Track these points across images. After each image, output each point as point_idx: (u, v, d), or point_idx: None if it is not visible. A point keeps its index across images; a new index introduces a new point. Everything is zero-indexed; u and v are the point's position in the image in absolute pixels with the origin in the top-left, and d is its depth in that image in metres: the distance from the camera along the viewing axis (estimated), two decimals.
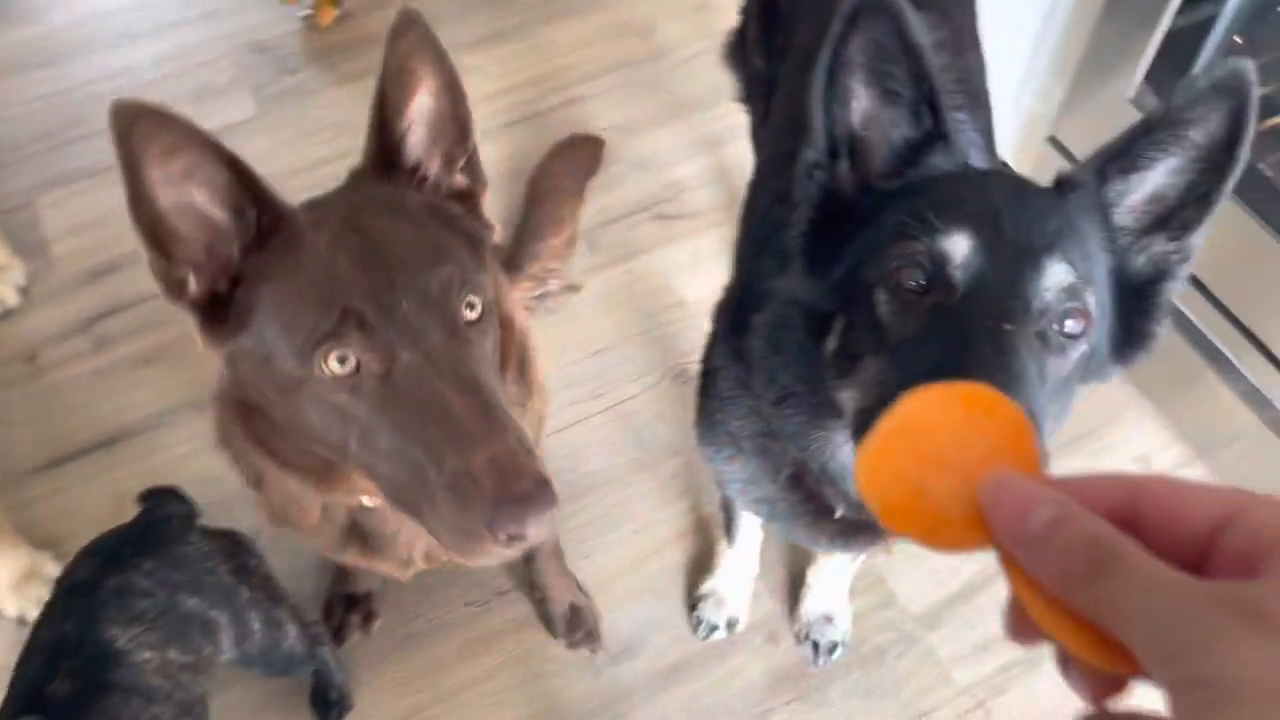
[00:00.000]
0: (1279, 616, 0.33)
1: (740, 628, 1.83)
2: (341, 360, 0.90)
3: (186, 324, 1.00)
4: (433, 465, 0.88)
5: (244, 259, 0.96)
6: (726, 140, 2.45)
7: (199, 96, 2.58)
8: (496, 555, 0.90)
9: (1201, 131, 0.82)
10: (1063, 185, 0.88)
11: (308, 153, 2.48)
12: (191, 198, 0.91)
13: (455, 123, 1.08)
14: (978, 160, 0.97)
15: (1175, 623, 0.34)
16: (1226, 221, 1.38)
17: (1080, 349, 0.83)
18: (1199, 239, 0.88)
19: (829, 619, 1.80)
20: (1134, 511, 0.40)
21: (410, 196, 1.05)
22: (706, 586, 1.83)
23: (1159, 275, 0.90)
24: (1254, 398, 1.86)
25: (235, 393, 1.05)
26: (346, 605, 1.80)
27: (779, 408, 1.03)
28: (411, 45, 1.02)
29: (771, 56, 1.64)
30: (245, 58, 2.67)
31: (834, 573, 1.75)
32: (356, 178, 1.08)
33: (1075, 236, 0.83)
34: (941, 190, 0.87)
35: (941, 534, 0.44)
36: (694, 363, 2.16)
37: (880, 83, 0.88)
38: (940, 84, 0.88)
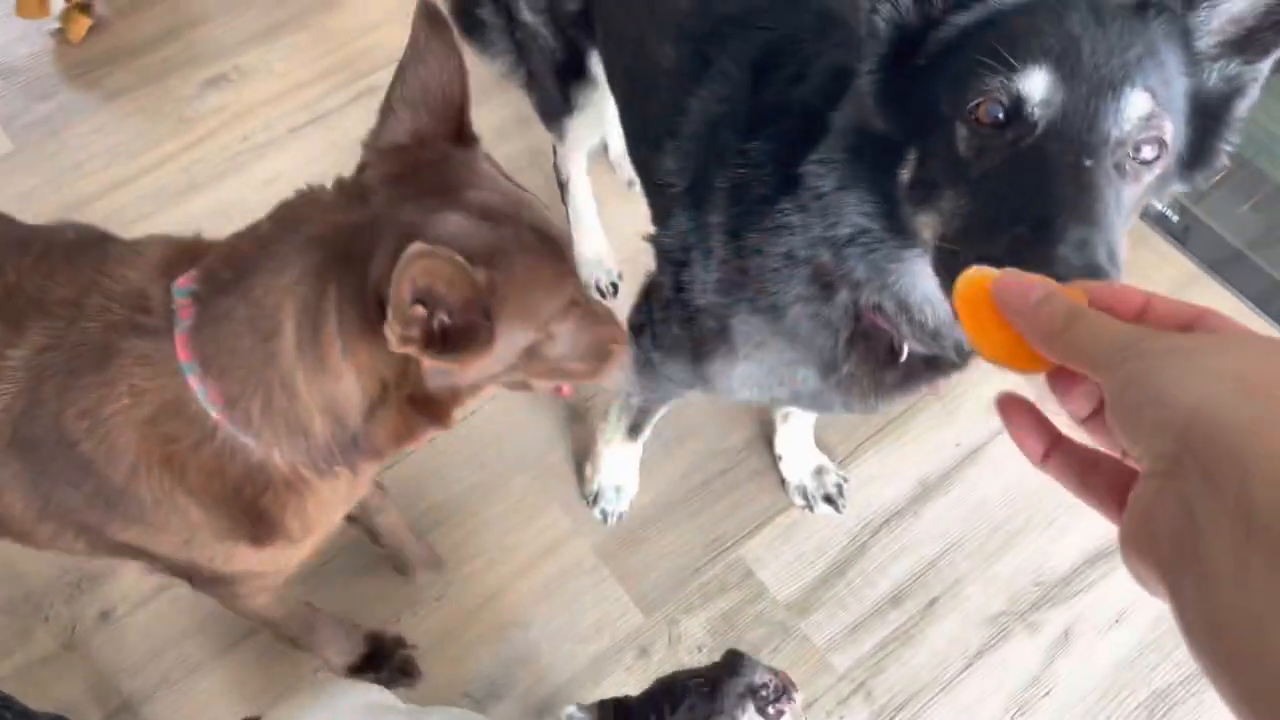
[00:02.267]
0: (1189, 345, 0.46)
1: (633, 496, 1.88)
2: None
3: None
4: None
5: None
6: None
7: None
8: None
9: None
10: (1146, 7, 0.87)
11: (78, 188, 2.22)
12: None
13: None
14: None
15: (1118, 345, 0.48)
16: None
17: (1155, 173, 0.85)
18: (1273, 58, 0.89)
19: (820, 471, 1.88)
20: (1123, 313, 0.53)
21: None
22: (602, 482, 1.85)
23: (1231, 94, 0.90)
24: None
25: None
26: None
27: (849, 247, 1.01)
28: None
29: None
30: None
31: (800, 431, 1.84)
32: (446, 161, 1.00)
33: (1156, 62, 0.84)
34: (1018, 21, 0.86)
35: (1015, 358, 0.55)
36: None
37: None
38: None
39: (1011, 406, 0.58)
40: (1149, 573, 0.45)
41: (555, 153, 2.03)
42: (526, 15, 1.63)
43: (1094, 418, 0.55)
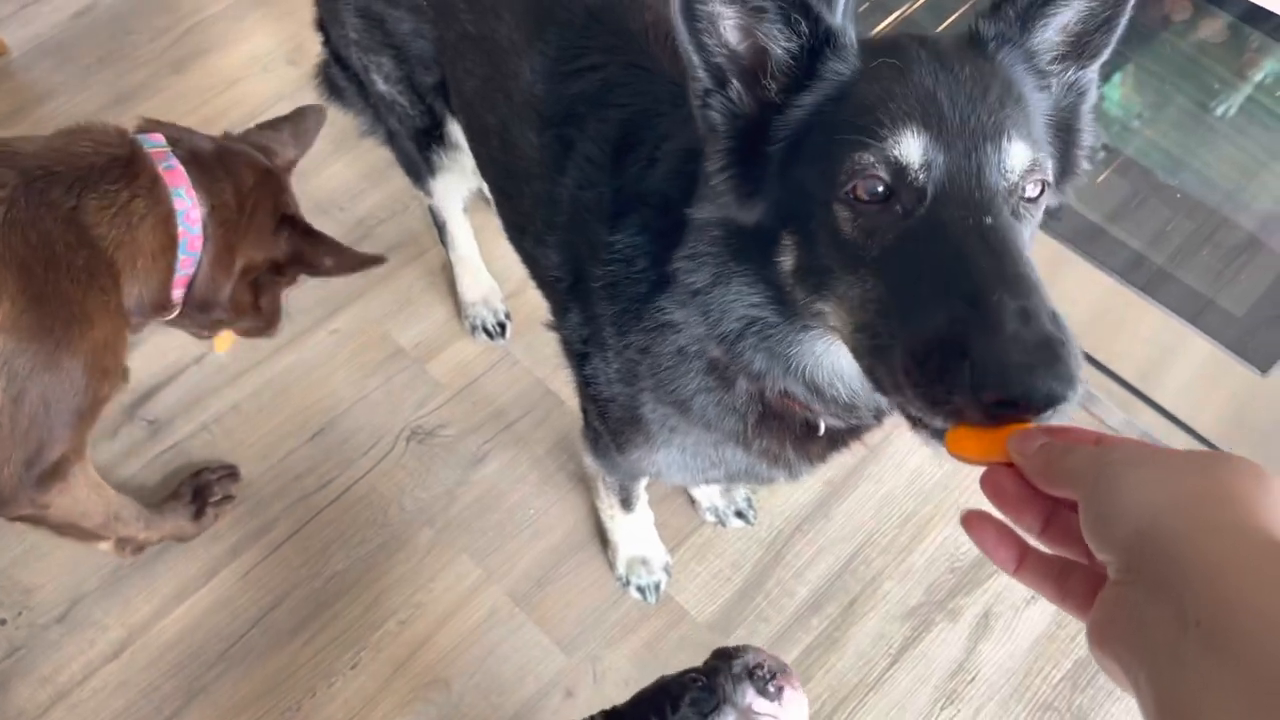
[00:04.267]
0: (1138, 456, 0.54)
1: (668, 564, 1.84)
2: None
3: None
4: None
5: None
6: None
7: None
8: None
9: None
10: (982, 40, 0.85)
11: None
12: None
13: None
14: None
15: (1089, 462, 0.55)
16: None
17: (1042, 206, 0.83)
18: (1106, 56, 0.89)
19: (729, 487, 1.88)
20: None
21: None
22: (625, 559, 1.81)
23: (1075, 100, 0.90)
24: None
25: None
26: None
27: (740, 341, 0.95)
28: None
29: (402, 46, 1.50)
30: None
31: None
32: None
33: (1017, 101, 0.82)
34: (869, 90, 0.82)
35: (981, 456, 0.65)
36: (429, 415, 2.01)
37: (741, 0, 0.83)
38: None
39: (978, 523, 0.63)
40: (1113, 667, 0.51)
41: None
42: (381, 86, 1.59)
43: (1048, 530, 0.61)
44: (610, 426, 1.29)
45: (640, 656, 1.76)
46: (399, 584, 1.81)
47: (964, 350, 0.66)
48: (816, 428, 1.10)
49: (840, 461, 1.94)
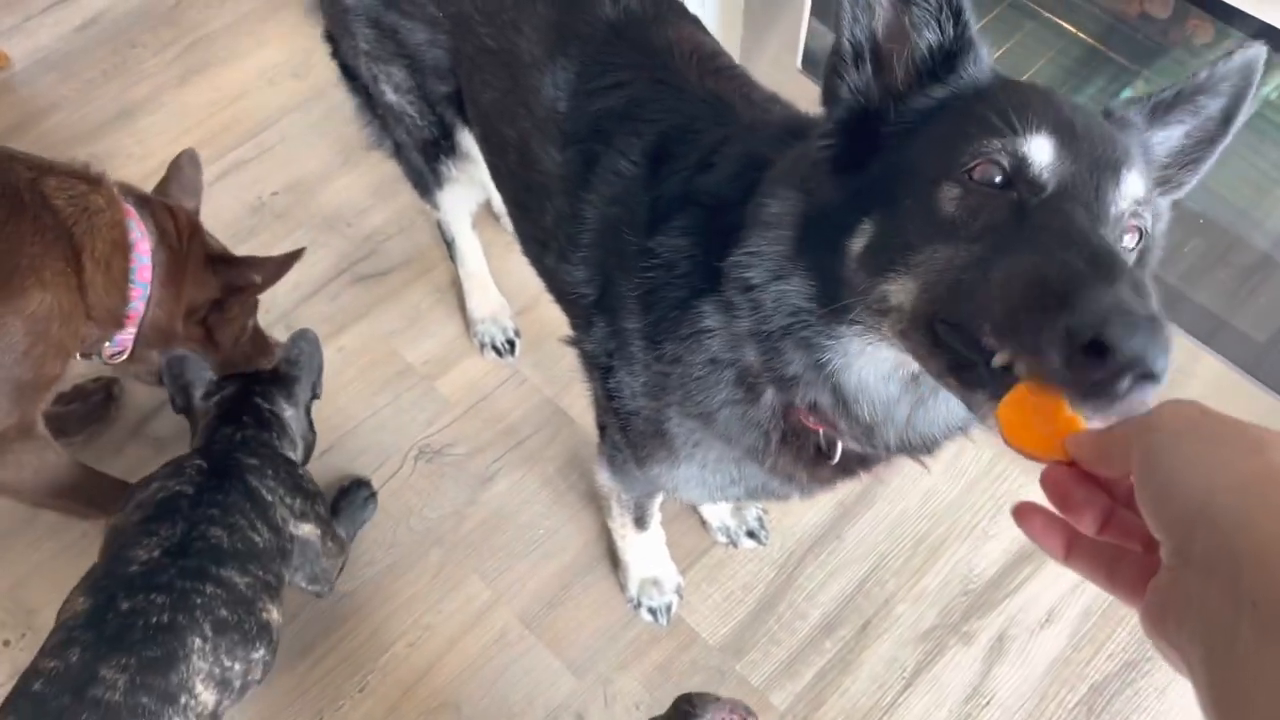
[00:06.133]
0: (1195, 429, 0.53)
1: (680, 586, 1.82)
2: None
3: None
4: None
5: None
6: None
7: None
8: None
9: (1215, 103, 0.92)
10: (1111, 113, 0.90)
11: None
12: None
13: None
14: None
15: (1144, 441, 0.54)
16: None
17: (1131, 260, 0.85)
18: (1182, 194, 0.97)
19: (739, 507, 1.87)
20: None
21: None
22: (636, 580, 1.79)
23: (1153, 220, 0.93)
24: None
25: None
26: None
27: (785, 338, 0.96)
28: None
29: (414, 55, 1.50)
30: None
31: None
32: None
33: (1139, 151, 0.87)
34: (1010, 95, 0.87)
35: (1041, 451, 0.64)
36: (438, 433, 1.99)
37: None
38: None
39: (1027, 513, 0.63)
40: (1169, 651, 0.51)
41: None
42: (390, 97, 1.58)
43: (1105, 529, 0.60)
44: (632, 440, 1.28)
45: (652, 679, 1.74)
46: (407, 606, 1.79)
47: (1068, 299, 0.65)
48: (831, 452, 1.09)
49: (852, 483, 1.94)
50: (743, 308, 0.98)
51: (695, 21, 1.35)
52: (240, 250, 1.80)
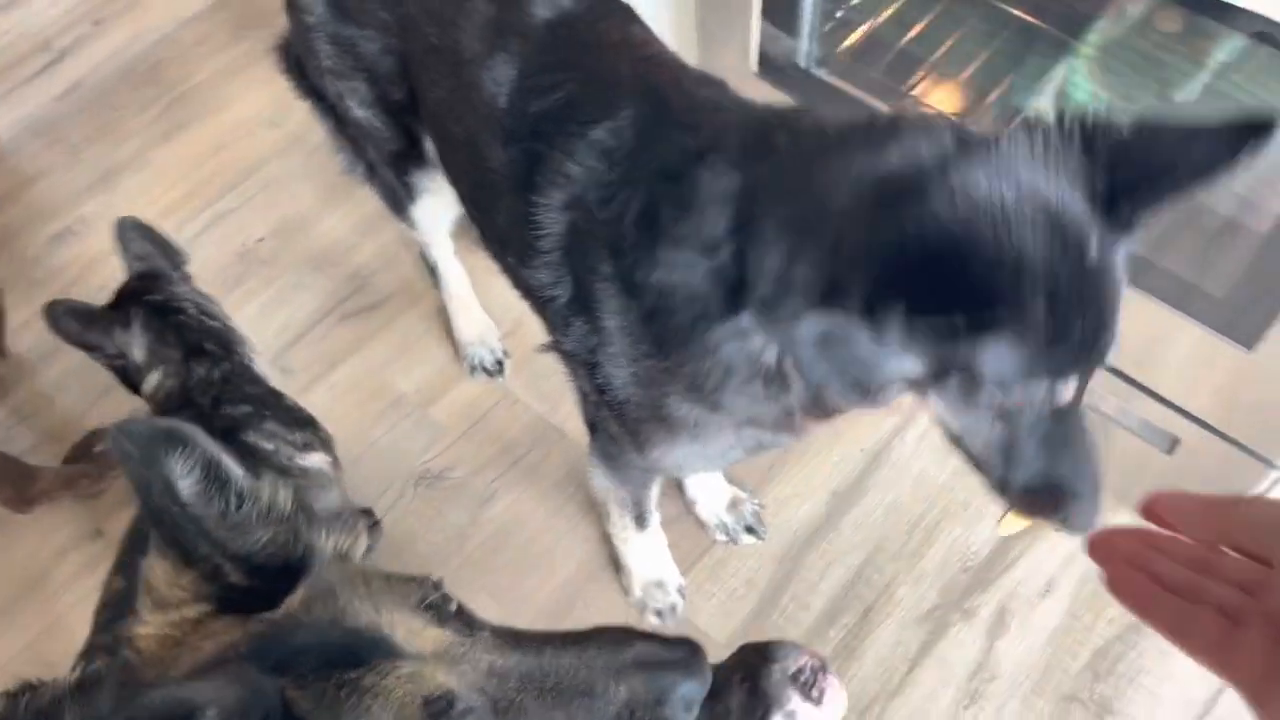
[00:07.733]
0: None
1: (682, 586, 1.86)
2: None
3: None
4: None
5: None
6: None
7: None
8: None
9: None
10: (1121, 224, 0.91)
11: None
12: None
13: None
14: None
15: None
16: None
17: None
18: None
19: (735, 503, 1.90)
20: None
21: None
22: (640, 583, 1.82)
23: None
24: None
25: None
26: None
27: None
28: None
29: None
30: None
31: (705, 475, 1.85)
32: None
33: (1119, 295, 0.95)
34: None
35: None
36: (436, 457, 2.04)
37: None
38: None
39: (1106, 547, 0.65)
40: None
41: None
42: (358, 112, 1.62)
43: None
44: (629, 428, 1.30)
45: None
46: None
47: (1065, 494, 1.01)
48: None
49: (845, 471, 1.98)
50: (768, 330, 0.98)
51: (626, 10, 1.36)
52: (229, 298, 1.85)
